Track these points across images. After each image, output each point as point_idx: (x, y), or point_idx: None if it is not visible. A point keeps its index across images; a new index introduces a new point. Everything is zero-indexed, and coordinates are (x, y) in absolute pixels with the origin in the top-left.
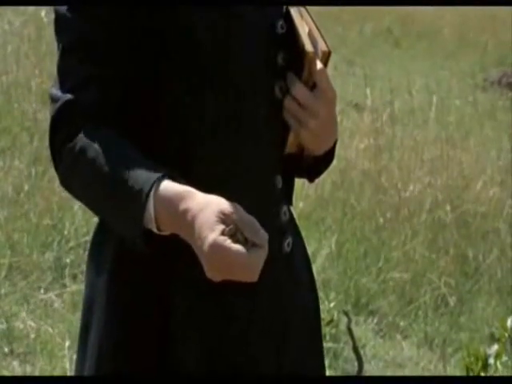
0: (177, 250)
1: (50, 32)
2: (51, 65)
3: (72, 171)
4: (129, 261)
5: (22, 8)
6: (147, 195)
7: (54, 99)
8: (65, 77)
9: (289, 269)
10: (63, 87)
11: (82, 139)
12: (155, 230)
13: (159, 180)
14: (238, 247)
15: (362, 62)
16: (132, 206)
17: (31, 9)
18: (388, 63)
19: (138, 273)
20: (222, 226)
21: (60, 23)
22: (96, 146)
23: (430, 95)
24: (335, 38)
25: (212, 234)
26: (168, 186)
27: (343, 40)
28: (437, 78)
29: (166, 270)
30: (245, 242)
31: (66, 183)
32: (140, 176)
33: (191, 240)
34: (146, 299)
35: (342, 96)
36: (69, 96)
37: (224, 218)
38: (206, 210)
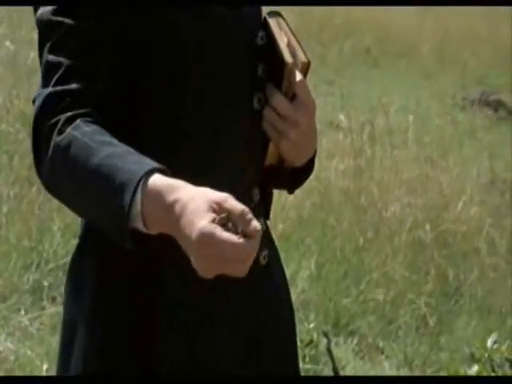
0: (160, 262)
1: (25, 54)
2: (29, 87)
3: (58, 168)
4: (111, 278)
5: None
6: (135, 189)
7: (37, 96)
8: (48, 74)
9: (266, 281)
10: (47, 84)
11: (69, 134)
12: (141, 226)
13: (149, 173)
14: (228, 235)
15: (341, 82)
16: (119, 198)
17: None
18: (367, 83)
19: (120, 290)
20: (212, 215)
21: (42, 30)
22: (84, 140)
23: (409, 115)
24: (314, 58)
25: (202, 221)
26: (157, 178)
27: (322, 60)
28: (416, 97)
29: (149, 285)
30: (236, 232)
31: (50, 181)
32: (129, 169)
33: (179, 233)
34: (130, 315)
35: (321, 116)
36: (52, 88)
37: (215, 208)
38: (197, 199)
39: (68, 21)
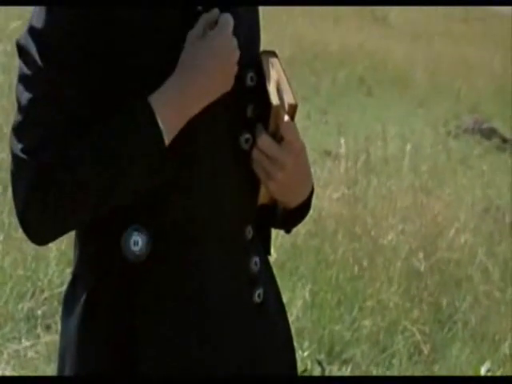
0: (148, 298)
1: None
2: None
3: (68, 190)
4: (98, 311)
5: None
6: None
7: (15, 158)
8: (20, 136)
9: (261, 319)
10: (20, 147)
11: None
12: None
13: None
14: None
15: (335, 111)
16: (141, 138)
17: None
18: (361, 112)
19: (106, 323)
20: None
21: (19, 84)
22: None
23: (403, 143)
24: (308, 86)
25: (200, 51)
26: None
27: (316, 89)
28: (410, 125)
29: (134, 319)
30: None
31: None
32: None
33: (201, 88)
34: (115, 347)
35: (315, 145)
36: (32, 163)
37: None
38: (184, 63)
39: (36, 84)
